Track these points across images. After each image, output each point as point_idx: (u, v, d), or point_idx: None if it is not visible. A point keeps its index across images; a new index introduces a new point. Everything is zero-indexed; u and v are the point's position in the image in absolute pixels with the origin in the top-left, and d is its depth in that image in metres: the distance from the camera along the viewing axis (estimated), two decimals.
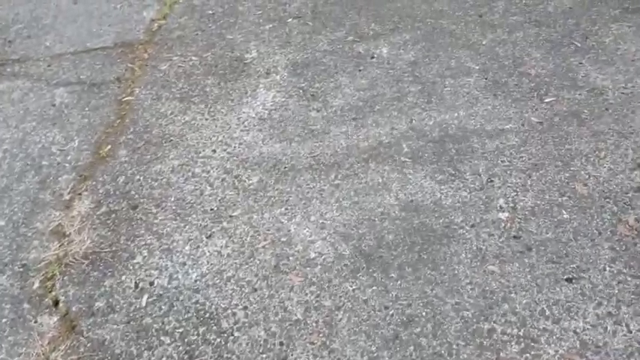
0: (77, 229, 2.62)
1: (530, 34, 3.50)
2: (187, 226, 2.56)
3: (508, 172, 2.60)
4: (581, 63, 3.18)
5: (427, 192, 2.56)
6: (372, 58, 3.51)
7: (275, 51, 3.73)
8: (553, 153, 2.65)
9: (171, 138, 3.09)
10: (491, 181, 2.56)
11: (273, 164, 2.86)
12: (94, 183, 2.86)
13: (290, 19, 4.06)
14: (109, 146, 3.09)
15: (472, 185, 2.55)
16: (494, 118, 2.91)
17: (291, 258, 2.38)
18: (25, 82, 3.73)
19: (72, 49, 4.05)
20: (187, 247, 2.47)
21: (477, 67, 3.29)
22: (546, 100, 2.96)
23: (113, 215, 2.67)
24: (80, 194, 2.81)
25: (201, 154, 2.96)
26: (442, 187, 2.58)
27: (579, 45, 3.33)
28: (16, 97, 3.60)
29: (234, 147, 2.98)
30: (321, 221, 2.52)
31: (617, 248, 2.19)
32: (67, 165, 3.00)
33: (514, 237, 2.31)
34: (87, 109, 3.41)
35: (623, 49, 3.20)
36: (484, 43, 3.50)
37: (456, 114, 2.97)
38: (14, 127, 3.34)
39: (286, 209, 2.60)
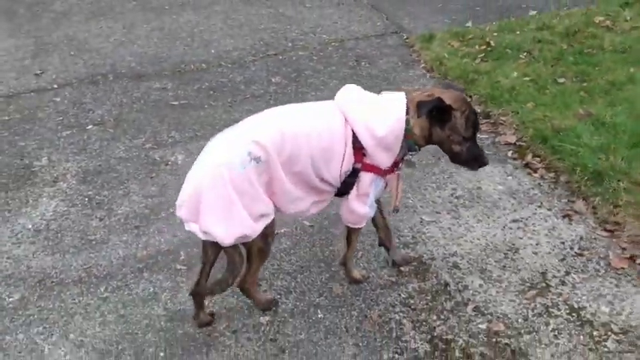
0: None
1: None
2: None
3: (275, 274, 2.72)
4: None
5: None
6: (167, 164, 3.59)
7: (68, 158, 3.67)
8: (319, 255, 2.84)
9: None
10: None
11: (40, 279, 2.72)
12: None
13: (90, 126, 4.06)
14: None
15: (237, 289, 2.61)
16: None
17: None
18: None
19: None
20: None
21: None
22: None
23: None
24: None
25: None
26: None
27: None
28: None
29: (0, 262, 2.80)
30: (80, 339, 2.41)
31: (360, 344, 2.35)
32: None
33: (271, 340, 2.38)
34: None
35: None
36: None
37: None
38: None
39: (44, 328, 2.46)
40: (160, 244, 2.92)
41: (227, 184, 2.03)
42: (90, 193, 3.33)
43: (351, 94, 2.30)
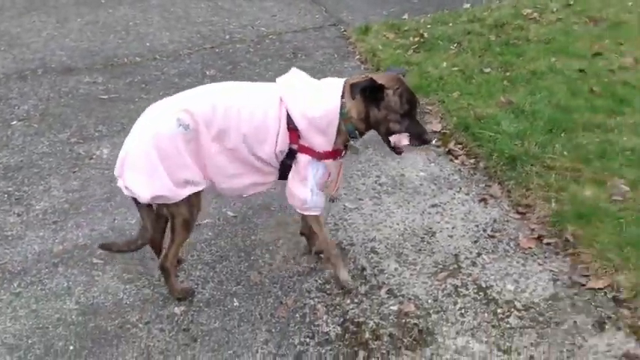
0: None
1: None
2: None
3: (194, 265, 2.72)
4: None
5: (111, 293, 2.57)
6: (91, 159, 3.53)
7: None
8: (240, 244, 2.85)
9: None
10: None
11: None
12: None
13: (15, 122, 3.96)
14: None
15: (157, 282, 2.60)
16: None
17: None
18: None
19: None
20: None
21: None
22: None
23: None
24: None
25: None
26: (127, 286, 2.60)
27: None
28: None
29: None
30: None
31: (273, 330, 2.38)
32: None
33: (184, 330, 2.38)
34: None
35: None
36: None
37: None
38: None
39: None
40: (77, 239, 2.88)
41: (151, 145, 2.12)
42: (10, 189, 3.25)
43: (292, 76, 2.32)
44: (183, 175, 2.20)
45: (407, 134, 2.22)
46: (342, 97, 2.22)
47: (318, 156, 2.27)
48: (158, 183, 2.16)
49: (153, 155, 2.14)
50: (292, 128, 2.22)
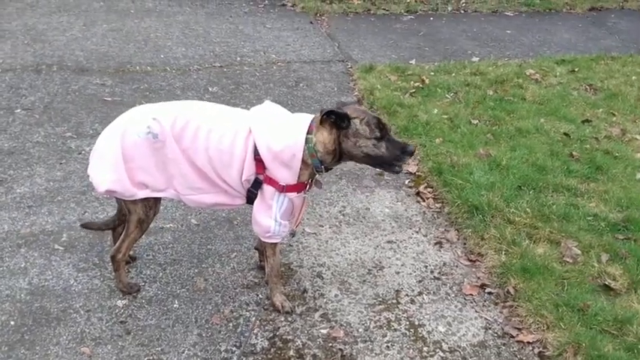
0: None
1: None
2: None
3: (146, 264, 2.85)
4: None
5: (63, 278, 2.70)
6: (80, 154, 3.72)
7: None
8: (195, 251, 2.98)
9: None
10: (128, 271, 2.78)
11: None
12: None
13: (19, 110, 4.19)
14: None
15: (109, 275, 2.73)
16: None
17: None
18: None
19: None
20: None
21: None
22: None
23: None
24: None
25: None
26: (80, 274, 2.73)
27: None
28: None
29: None
30: None
31: (204, 334, 2.47)
32: None
33: (121, 322, 2.49)
34: None
35: None
36: None
37: None
38: None
39: None
40: (45, 224, 3.03)
41: (119, 143, 2.29)
42: None
43: (265, 108, 2.46)
44: (142, 178, 2.34)
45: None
46: (310, 132, 2.31)
47: (282, 189, 2.34)
48: (115, 178, 2.30)
49: (117, 152, 2.29)
50: (259, 159, 2.31)
